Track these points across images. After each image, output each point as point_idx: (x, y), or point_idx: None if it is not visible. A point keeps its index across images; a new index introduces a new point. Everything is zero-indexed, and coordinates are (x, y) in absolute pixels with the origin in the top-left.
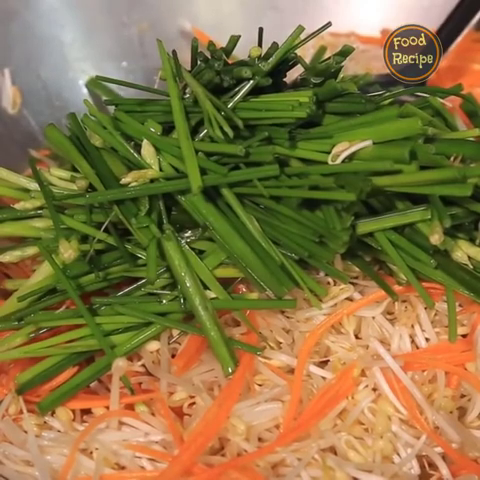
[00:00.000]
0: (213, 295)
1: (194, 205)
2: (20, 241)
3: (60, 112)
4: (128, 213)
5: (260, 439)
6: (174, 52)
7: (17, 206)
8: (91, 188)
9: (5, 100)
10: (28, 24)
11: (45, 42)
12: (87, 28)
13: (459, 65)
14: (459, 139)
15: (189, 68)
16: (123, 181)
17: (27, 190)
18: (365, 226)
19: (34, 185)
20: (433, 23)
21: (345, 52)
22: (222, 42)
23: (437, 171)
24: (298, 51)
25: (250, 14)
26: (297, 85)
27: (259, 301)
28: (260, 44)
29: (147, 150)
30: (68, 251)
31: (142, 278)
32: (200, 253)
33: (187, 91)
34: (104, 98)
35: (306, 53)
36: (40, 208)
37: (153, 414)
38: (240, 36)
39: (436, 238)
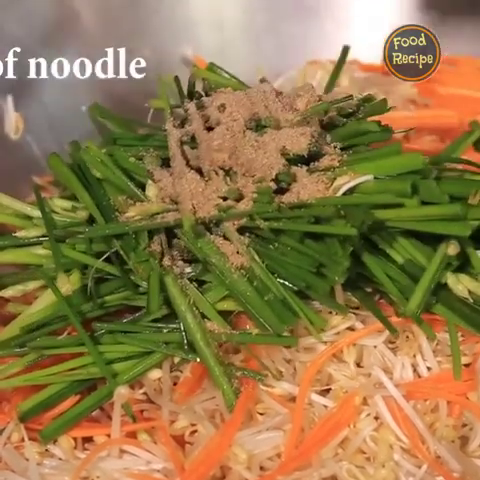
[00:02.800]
0: (214, 327)
1: (192, 239)
2: (22, 268)
3: (63, 138)
4: (127, 247)
5: (262, 468)
6: (177, 78)
7: (19, 234)
8: (92, 217)
9: (8, 126)
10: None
11: None
12: (89, 54)
13: (464, 93)
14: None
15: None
16: (127, 216)
17: (30, 217)
18: (366, 259)
19: (37, 212)
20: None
21: (369, 100)
22: (224, 67)
23: (439, 207)
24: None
25: (252, 40)
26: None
27: (260, 336)
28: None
29: (151, 191)
30: (66, 286)
31: (143, 306)
32: (203, 283)
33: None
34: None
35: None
36: (42, 236)
37: (155, 442)
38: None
39: (453, 248)
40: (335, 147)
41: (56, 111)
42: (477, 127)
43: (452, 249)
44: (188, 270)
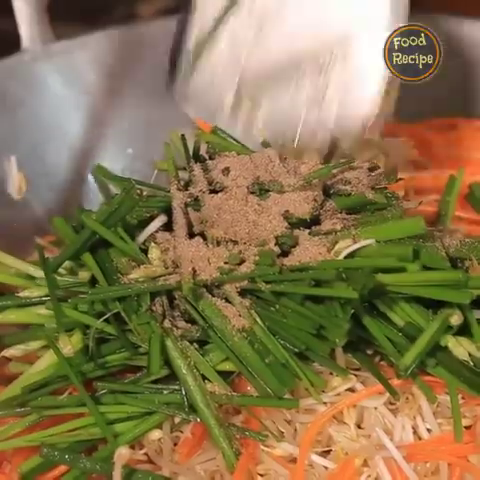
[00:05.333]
0: (215, 389)
1: (192, 302)
2: (24, 327)
3: (65, 198)
4: (129, 309)
5: None
6: (183, 137)
7: (21, 294)
8: (94, 277)
9: (10, 186)
10: (34, 112)
11: (51, 129)
12: (92, 115)
13: (462, 154)
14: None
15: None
16: (130, 277)
17: (32, 277)
18: (366, 322)
19: (40, 273)
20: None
21: (374, 168)
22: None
23: (440, 273)
24: None
25: None
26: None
27: (261, 399)
28: None
29: (154, 253)
30: (67, 346)
31: (144, 366)
32: (204, 343)
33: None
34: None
35: None
36: (45, 296)
37: None
38: None
39: (456, 318)
40: (340, 212)
41: (58, 172)
42: (477, 189)
43: (455, 319)
44: (190, 331)
